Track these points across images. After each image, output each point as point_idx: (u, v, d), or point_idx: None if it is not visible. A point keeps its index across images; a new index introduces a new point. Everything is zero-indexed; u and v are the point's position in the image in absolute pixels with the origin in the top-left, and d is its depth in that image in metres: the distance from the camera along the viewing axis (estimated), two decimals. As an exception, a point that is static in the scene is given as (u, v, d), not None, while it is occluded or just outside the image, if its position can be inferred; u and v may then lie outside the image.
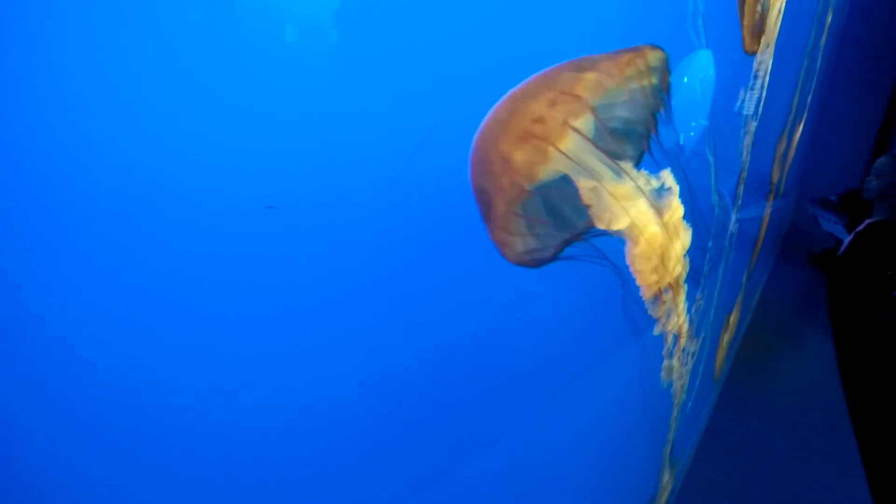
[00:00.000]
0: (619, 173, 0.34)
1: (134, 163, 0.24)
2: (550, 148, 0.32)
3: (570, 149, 0.33)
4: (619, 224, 0.35)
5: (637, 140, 0.38)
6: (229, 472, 0.31)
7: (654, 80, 0.36)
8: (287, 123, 0.27)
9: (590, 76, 0.34)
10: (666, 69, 0.39)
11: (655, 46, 0.38)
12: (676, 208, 0.39)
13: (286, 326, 0.31)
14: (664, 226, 0.38)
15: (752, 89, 0.98)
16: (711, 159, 0.80)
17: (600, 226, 0.36)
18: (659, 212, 0.37)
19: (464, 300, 0.42)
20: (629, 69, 0.34)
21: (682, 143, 0.60)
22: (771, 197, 1.84)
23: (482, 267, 0.42)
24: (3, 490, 0.24)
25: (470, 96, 0.36)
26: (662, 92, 0.39)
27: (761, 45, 0.94)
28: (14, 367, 0.23)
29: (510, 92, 0.35)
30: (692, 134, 0.68)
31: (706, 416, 1.59)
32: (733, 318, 1.66)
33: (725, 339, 1.56)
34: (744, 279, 1.70)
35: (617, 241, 0.42)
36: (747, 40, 0.82)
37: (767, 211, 1.84)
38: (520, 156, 0.33)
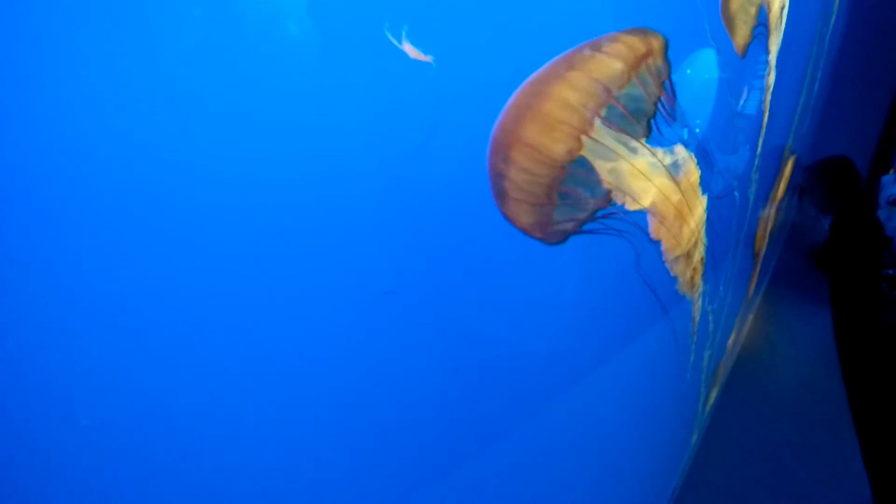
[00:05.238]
0: (636, 150, 0.34)
1: (131, 162, 0.23)
2: (582, 136, 0.32)
3: (597, 134, 0.33)
4: (644, 201, 0.35)
5: (647, 118, 0.38)
6: (235, 470, 0.31)
7: (660, 64, 0.36)
8: (291, 116, 0.27)
9: (609, 62, 0.34)
10: (666, 57, 0.40)
11: (657, 33, 0.39)
12: (693, 171, 0.39)
13: (286, 324, 0.30)
14: (683, 192, 0.38)
15: (759, 88, 0.98)
16: (719, 157, 0.79)
17: (625, 204, 0.36)
18: (677, 182, 0.37)
19: (477, 290, 0.41)
20: (641, 54, 0.34)
21: (686, 137, 0.60)
22: (777, 197, 1.83)
23: (494, 253, 0.41)
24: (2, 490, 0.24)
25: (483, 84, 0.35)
26: (666, 82, 0.39)
27: (770, 45, 0.93)
28: (12, 367, 0.23)
29: (531, 76, 0.34)
30: (697, 131, 0.68)
31: (706, 416, 1.59)
32: (731, 343, 1.64)
33: (722, 366, 1.55)
34: (747, 289, 1.69)
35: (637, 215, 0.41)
36: (739, 37, 0.80)
37: (772, 211, 1.84)
38: (548, 142, 0.33)
